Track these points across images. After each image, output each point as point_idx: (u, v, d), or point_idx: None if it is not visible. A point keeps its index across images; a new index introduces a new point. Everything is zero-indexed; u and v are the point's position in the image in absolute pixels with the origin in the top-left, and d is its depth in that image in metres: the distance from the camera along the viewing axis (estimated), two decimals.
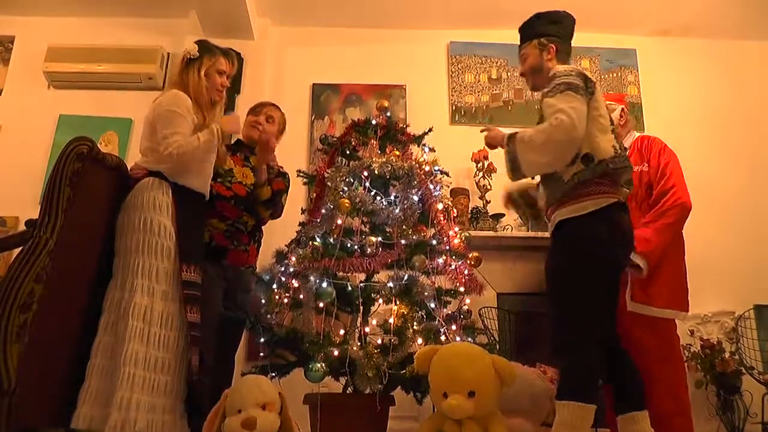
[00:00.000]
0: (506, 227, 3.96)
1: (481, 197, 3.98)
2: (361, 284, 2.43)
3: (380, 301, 2.46)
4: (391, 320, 2.33)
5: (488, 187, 3.98)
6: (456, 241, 2.50)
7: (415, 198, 2.54)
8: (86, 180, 2.09)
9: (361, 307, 2.43)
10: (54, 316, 1.97)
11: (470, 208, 3.99)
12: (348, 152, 2.75)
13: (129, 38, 4.30)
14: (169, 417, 2.12)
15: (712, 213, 3.87)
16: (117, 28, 4.37)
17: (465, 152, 4.04)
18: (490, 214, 3.93)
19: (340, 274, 2.39)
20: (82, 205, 2.08)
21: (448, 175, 2.71)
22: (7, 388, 1.75)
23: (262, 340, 2.41)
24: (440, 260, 2.45)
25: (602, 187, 2.01)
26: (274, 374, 2.37)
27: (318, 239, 2.43)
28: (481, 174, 4.00)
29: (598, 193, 2.00)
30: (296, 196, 3.45)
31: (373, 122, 2.72)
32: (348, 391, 2.39)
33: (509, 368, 1.86)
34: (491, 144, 2.28)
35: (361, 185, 2.53)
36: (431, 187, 2.57)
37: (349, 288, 2.42)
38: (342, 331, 2.40)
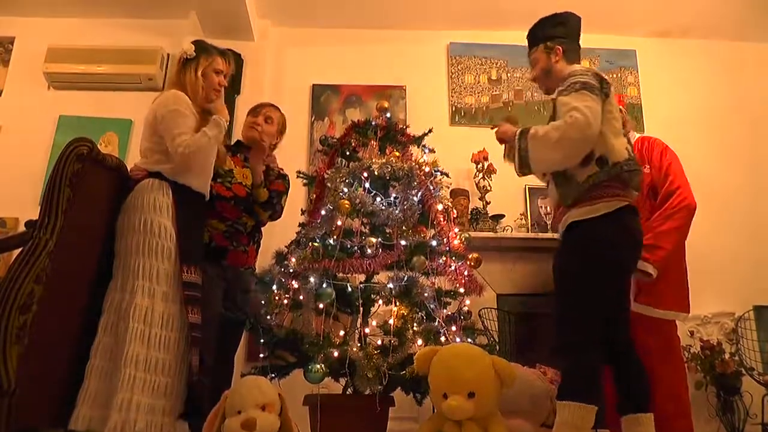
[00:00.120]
0: (506, 228, 3.96)
1: (481, 198, 3.98)
2: (361, 285, 2.43)
3: (380, 302, 2.46)
4: (390, 321, 2.33)
5: (488, 188, 3.98)
6: (456, 242, 2.50)
7: (415, 199, 2.54)
8: (86, 181, 2.08)
9: (361, 308, 2.43)
10: (54, 317, 1.97)
11: (470, 209, 3.99)
12: (348, 153, 2.75)
13: (129, 39, 4.30)
14: (168, 418, 2.12)
15: (711, 214, 3.86)
16: (117, 29, 4.37)
17: (465, 153, 4.04)
18: (490, 215, 3.93)
19: (340, 275, 2.39)
20: (81, 206, 2.08)
21: (447, 176, 2.71)
22: (6, 388, 1.75)
23: (261, 341, 2.41)
24: (440, 261, 2.45)
25: (614, 190, 2.01)
26: (273, 375, 2.38)
27: (318, 240, 2.43)
28: (481, 175, 4.00)
29: (610, 196, 2.00)
30: (296, 197, 3.45)
31: (373, 123, 2.72)
32: (348, 392, 2.39)
33: (509, 369, 1.86)
34: (502, 139, 2.28)
35: (360, 186, 2.53)
36: (431, 188, 2.57)
37: (349, 289, 2.42)
38: (342, 332, 2.40)
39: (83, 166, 2.06)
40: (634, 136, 2.88)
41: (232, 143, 2.97)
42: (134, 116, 4.05)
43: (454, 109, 4.42)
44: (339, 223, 2.43)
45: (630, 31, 4.56)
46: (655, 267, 2.49)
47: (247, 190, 2.69)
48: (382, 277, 2.49)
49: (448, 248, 2.48)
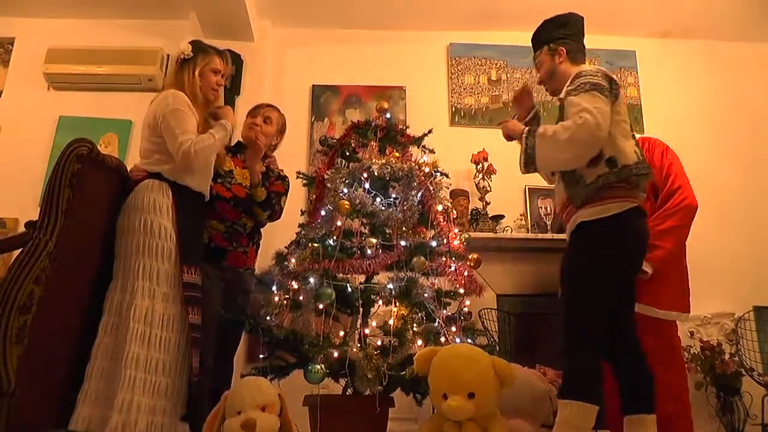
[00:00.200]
0: (506, 229, 3.96)
1: (481, 199, 3.98)
2: (361, 286, 2.43)
3: (380, 302, 2.45)
4: (390, 322, 2.33)
5: (488, 188, 3.98)
6: (456, 242, 2.51)
7: (415, 199, 2.53)
8: (86, 181, 2.08)
9: (361, 309, 2.42)
10: (54, 318, 1.97)
11: (470, 210, 3.99)
12: (348, 154, 2.74)
13: (129, 40, 4.30)
14: (169, 419, 2.12)
15: (711, 214, 3.86)
16: (117, 30, 4.37)
17: (465, 154, 4.04)
18: (489, 215, 3.94)
19: (340, 275, 2.39)
20: (81, 207, 2.08)
21: (447, 176, 2.70)
22: (6, 389, 1.75)
23: (261, 341, 2.41)
24: (440, 262, 2.45)
25: (624, 191, 2.02)
26: (273, 376, 2.37)
27: (318, 241, 2.43)
28: (480, 175, 4.00)
29: (620, 197, 2.01)
30: (296, 198, 3.45)
31: (373, 124, 2.72)
32: (348, 393, 2.39)
33: (509, 369, 1.86)
34: (510, 135, 2.29)
35: (360, 187, 2.53)
36: (431, 188, 2.57)
37: (349, 289, 2.42)
38: (342, 333, 2.40)
39: (83, 167, 2.06)
40: (635, 137, 2.88)
41: (233, 144, 2.97)
42: (134, 117, 4.05)
43: (453, 109, 4.42)
44: (339, 223, 2.43)
45: (630, 32, 4.56)
46: (651, 265, 2.48)
47: (247, 191, 2.70)
48: (382, 277, 2.49)
49: (448, 249, 2.48)
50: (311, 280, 2.34)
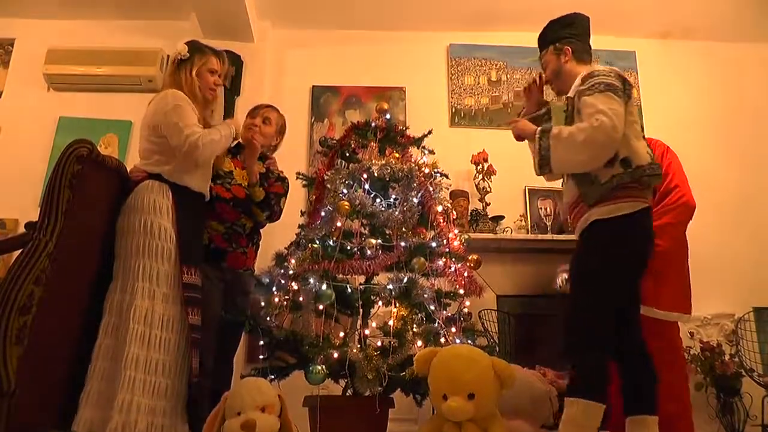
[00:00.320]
0: (506, 229, 3.96)
1: (481, 199, 3.98)
2: (361, 286, 2.43)
3: (380, 303, 2.45)
4: (390, 322, 2.33)
5: (488, 189, 3.98)
6: (456, 243, 2.51)
7: (415, 200, 2.53)
8: (86, 182, 2.09)
9: (361, 310, 2.42)
10: (54, 319, 1.97)
11: (470, 211, 3.99)
12: (347, 154, 2.74)
13: (129, 41, 4.31)
14: (169, 420, 2.12)
15: (711, 215, 3.86)
16: (117, 31, 4.37)
17: (465, 154, 4.04)
18: (489, 216, 3.94)
19: (340, 276, 2.39)
20: (81, 208, 2.08)
21: (447, 177, 2.70)
22: (6, 389, 1.75)
23: (261, 342, 2.41)
24: (440, 262, 2.44)
25: (636, 191, 2.03)
26: (273, 377, 2.37)
27: (317, 241, 2.43)
28: (480, 176, 4.00)
29: (632, 197, 2.01)
30: (296, 199, 3.45)
31: (373, 124, 2.72)
32: (347, 394, 2.39)
33: (509, 370, 1.86)
34: (520, 135, 2.27)
35: (360, 187, 2.53)
36: (431, 189, 2.57)
37: (349, 290, 2.42)
38: (342, 334, 2.39)
39: (83, 168, 2.06)
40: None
41: (233, 145, 2.97)
42: (134, 118, 4.05)
43: (453, 110, 4.42)
44: (339, 224, 2.43)
45: (630, 33, 4.56)
46: None
47: (247, 192, 2.70)
48: (381, 278, 2.49)
49: (447, 249, 2.48)
50: (311, 280, 2.34)
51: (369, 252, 2.41)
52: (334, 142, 2.79)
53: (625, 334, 2.05)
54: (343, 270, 2.37)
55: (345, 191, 2.48)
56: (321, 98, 4.42)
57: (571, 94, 2.18)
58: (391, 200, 2.59)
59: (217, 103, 2.52)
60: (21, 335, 1.80)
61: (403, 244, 2.44)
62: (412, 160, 2.64)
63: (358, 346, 2.33)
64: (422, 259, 2.38)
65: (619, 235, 2.00)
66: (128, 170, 2.40)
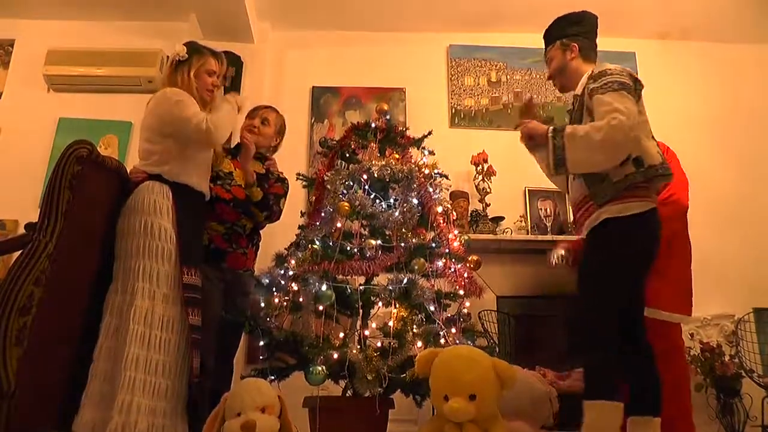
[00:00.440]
0: (506, 230, 3.96)
1: (481, 200, 3.98)
2: (361, 287, 2.43)
3: (380, 304, 2.46)
4: (390, 323, 2.33)
5: (488, 190, 3.98)
6: (455, 244, 2.51)
7: (415, 201, 2.53)
8: (86, 183, 2.09)
9: (361, 311, 2.42)
10: (54, 319, 1.97)
11: (470, 211, 3.99)
12: (347, 155, 2.75)
13: (129, 41, 4.31)
14: (169, 420, 2.12)
15: (711, 216, 3.87)
16: (117, 32, 4.38)
17: (464, 155, 4.04)
18: (489, 217, 3.94)
19: (340, 277, 2.39)
20: (81, 208, 2.08)
21: (447, 178, 2.71)
22: (6, 390, 1.76)
23: (261, 343, 2.41)
24: (440, 263, 2.44)
25: (645, 191, 2.03)
26: (273, 377, 2.37)
27: (317, 242, 2.43)
28: (480, 177, 4.00)
29: (641, 197, 2.02)
30: (296, 200, 3.45)
31: (373, 125, 2.72)
32: (347, 395, 2.39)
33: (510, 371, 1.86)
34: (531, 135, 2.22)
35: (360, 188, 2.53)
36: (431, 190, 2.57)
37: (349, 291, 2.42)
38: (341, 334, 2.39)
39: (83, 169, 2.06)
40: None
41: (233, 146, 2.97)
42: (134, 118, 4.05)
43: (453, 111, 4.42)
44: (338, 225, 2.43)
45: (629, 33, 4.56)
46: None
47: (246, 193, 2.70)
48: (381, 279, 2.49)
49: (447, 250, 2.48)
50: (311, 281, 2.34)
51: (369, 253, 2.41)
52: (334, 142, 2.79)
53: (629, 334, 2.04)
54: (343, 271, 2.37)
55: (345, 192, 2.48)
56: (321, 99, 4.42)
57: (578, 91, 2.17)
58: (391, 201, 2.59)
59: (215, 105, 2.51)
60: (21, 336, 1.80)
61: (402, 244, 2.45)
62: (412, 161, 2.64)
63: (358, 346, 2.33)
64: (422, 259, 2.38)
65: (627, 235, 2.00)
66: (128, 171, 2.40)
